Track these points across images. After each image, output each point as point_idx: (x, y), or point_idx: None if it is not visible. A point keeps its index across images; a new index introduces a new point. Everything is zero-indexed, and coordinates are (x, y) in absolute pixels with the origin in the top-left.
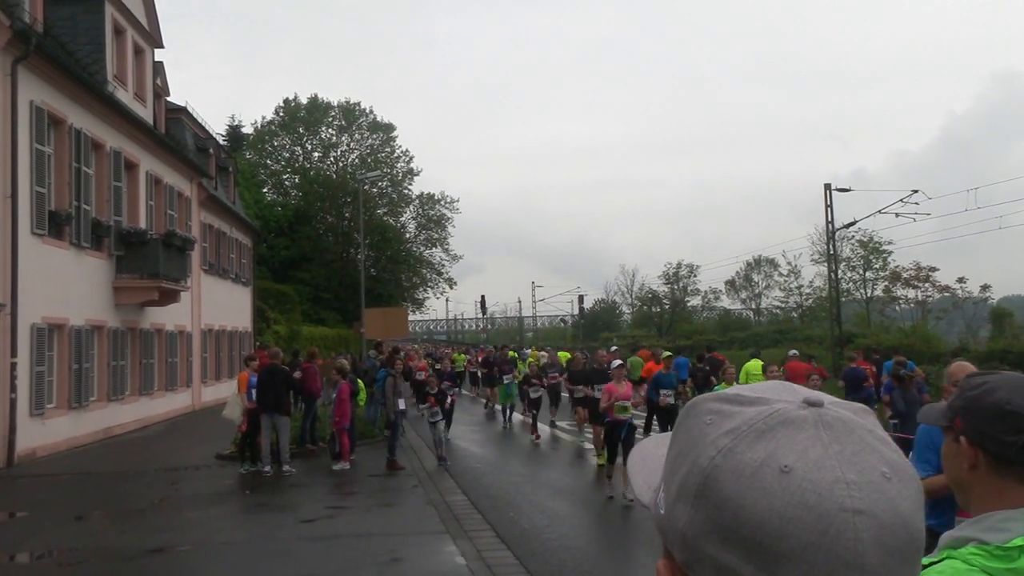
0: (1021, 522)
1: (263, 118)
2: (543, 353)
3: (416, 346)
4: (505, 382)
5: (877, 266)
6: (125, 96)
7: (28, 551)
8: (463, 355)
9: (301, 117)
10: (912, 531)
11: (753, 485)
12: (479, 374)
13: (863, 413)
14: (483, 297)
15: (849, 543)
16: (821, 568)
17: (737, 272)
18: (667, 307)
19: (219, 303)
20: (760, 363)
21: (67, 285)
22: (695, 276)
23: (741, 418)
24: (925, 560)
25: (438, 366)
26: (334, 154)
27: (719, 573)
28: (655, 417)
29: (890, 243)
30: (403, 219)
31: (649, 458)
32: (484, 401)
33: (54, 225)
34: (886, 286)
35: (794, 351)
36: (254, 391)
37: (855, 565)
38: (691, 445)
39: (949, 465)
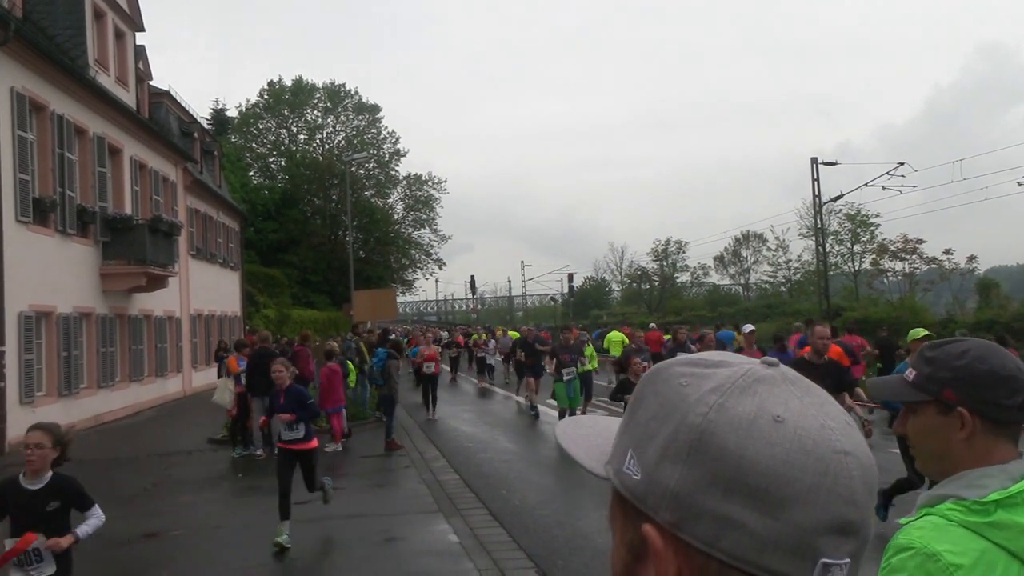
0: (997, 478)
1: (247, 101)
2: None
3: (407, 327)
4: (566, 378)
5: (864, 239)
6: (107, 81)
7: None
8: (475, 334)
9: (286, 99)
10: (875, 469)
11: (752, 435)
12: (487, 358)
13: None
14: (473, 277)
15: (845, 481)
16: (823, 507)
17: (725, 248)
18: (656, 284)
19: (207, 288)
20: (621, 333)
21: (54, 272)
22: (684, 252)
23: (719, 377)
24: (903, 520)
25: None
26: (320, 136)
27: (720, 526)
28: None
29: (877, 216)
30: (391, 200)
31: (583, 436)
32: (524, 400)
33: (39, 212)
34: (873, 259)
35: (653, 324)
36: (243, 376)
37: (851, 501)
38: (670, 407)
39: (933, 438)
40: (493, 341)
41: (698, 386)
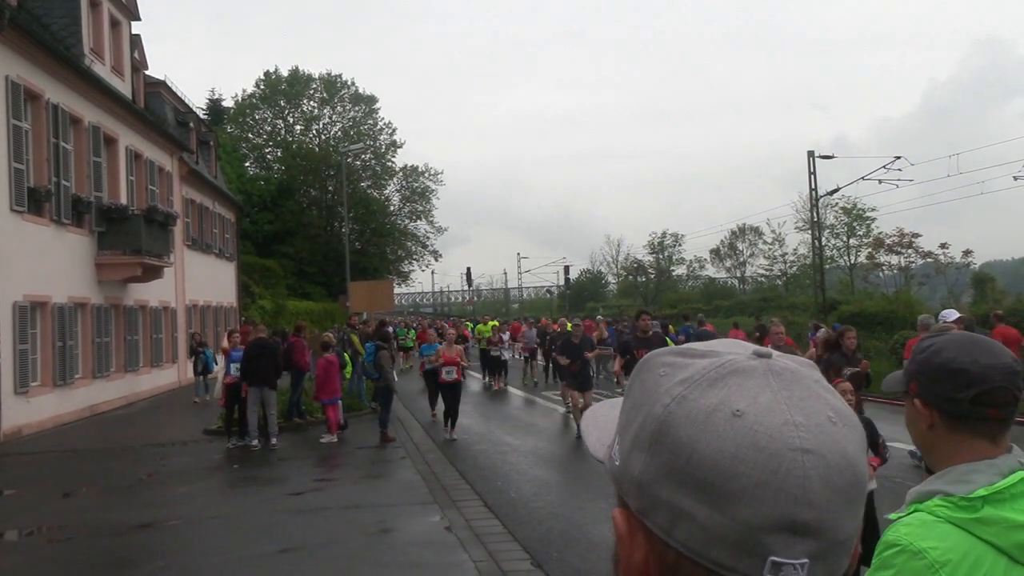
0: (984, 473)
1: (244, 91)
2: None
3: (402, 317)
4: None
5: (860, 233)
6: (102, 70)
7: (16, 528)
8: (484, 325)
9: (282, 90)
10: (856, 471)
11: (706, 429)
12: (501, 355)
13: (808, 366)
14: (469, 269)
15: (798, 480)
16: (772, 505)
17: (722, 241)
18: (652, 276)
19: (203, 278)
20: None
21: (49, 262)
22: (680, 245)
23: (694, 368)
24: (892, 516)
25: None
26: (316, 127)
27: (674, 516)
28: None
29: (873, 210)
30: (387, 192)
31: (601, 419)
32: (569, 412)
33: (34, 202)
34: (869, 252)
35: (599, 316)
36: (232, 366)
37: (804, 501)
38: (645, 396)
39: (911, 427)
40: (508, 335)
41: (672, 376)
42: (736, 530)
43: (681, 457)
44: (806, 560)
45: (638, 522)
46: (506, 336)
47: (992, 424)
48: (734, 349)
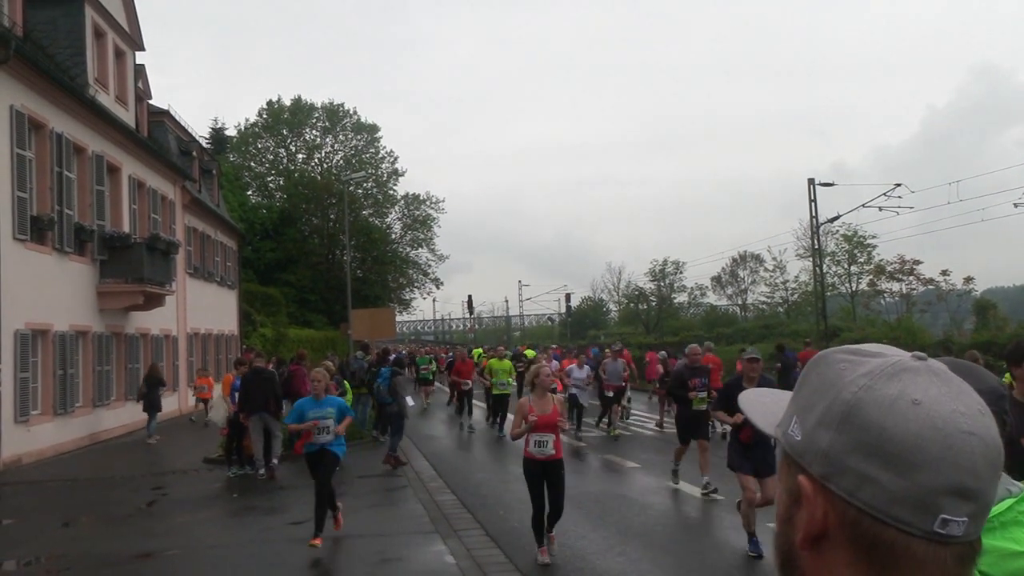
0: None
1: (246, 120)
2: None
3: (403, 344)
4: None
5: (861, 260)
6: (106, 99)
7: (15, 559)
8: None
9: (285, 119)
10: (1001, 451)
11: (893, 412)
12: (578, 396)
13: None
14: (470, 297)
15: (967, 456)
16: (948, 474)
17: (723, 268)
18: (654, 304)
19: (205, 306)
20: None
21: (50, 290)
22: (681, 273)
23: (871, 365)
24: None
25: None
26: (318, 155)
27: (860, 480)
28: None
29: (874, 237)
30: (388, 220)
31: (759, 403)
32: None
33: (36, 230)
34: (871, 280)
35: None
36: (237, 394)
37: (972, 472)
38: (828, 385)
39: None
40: (586, 368)
41: (853, 370)
42: (916, 492)
43: (872, 434)
44: (967, 519)
45: (820, 486)
46: (583, 370)
47: None
48: (894, 351)
